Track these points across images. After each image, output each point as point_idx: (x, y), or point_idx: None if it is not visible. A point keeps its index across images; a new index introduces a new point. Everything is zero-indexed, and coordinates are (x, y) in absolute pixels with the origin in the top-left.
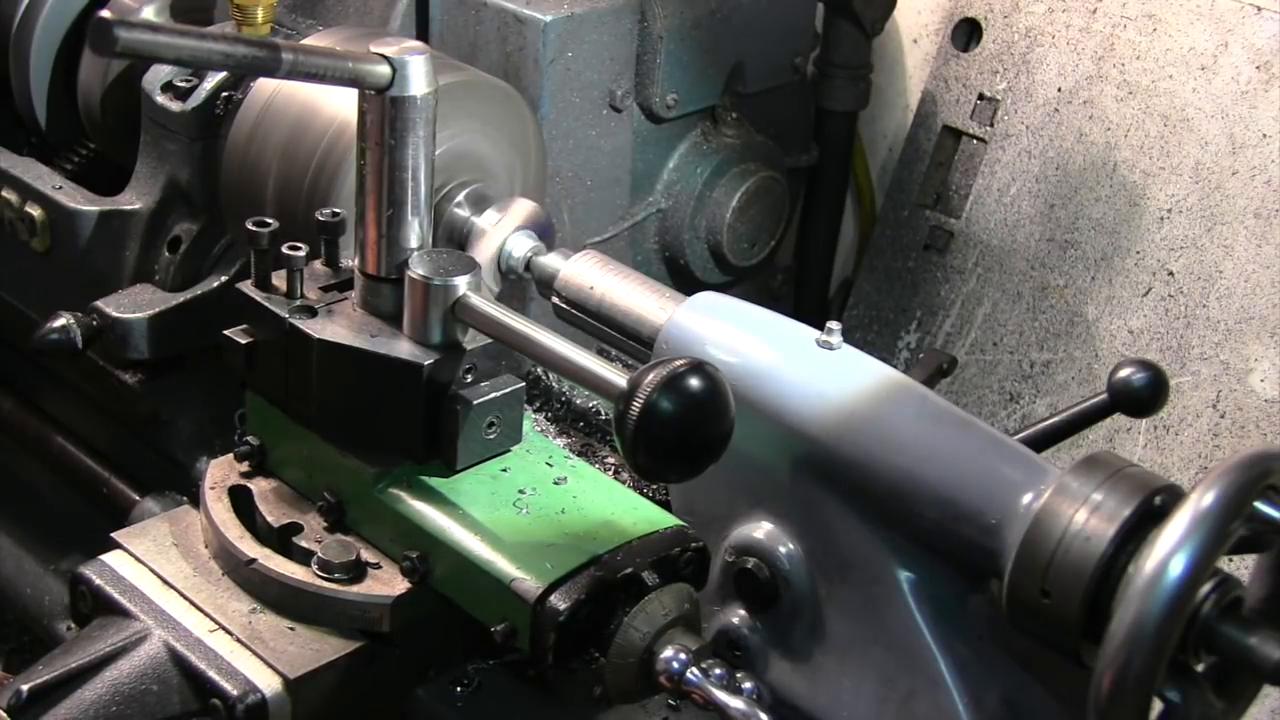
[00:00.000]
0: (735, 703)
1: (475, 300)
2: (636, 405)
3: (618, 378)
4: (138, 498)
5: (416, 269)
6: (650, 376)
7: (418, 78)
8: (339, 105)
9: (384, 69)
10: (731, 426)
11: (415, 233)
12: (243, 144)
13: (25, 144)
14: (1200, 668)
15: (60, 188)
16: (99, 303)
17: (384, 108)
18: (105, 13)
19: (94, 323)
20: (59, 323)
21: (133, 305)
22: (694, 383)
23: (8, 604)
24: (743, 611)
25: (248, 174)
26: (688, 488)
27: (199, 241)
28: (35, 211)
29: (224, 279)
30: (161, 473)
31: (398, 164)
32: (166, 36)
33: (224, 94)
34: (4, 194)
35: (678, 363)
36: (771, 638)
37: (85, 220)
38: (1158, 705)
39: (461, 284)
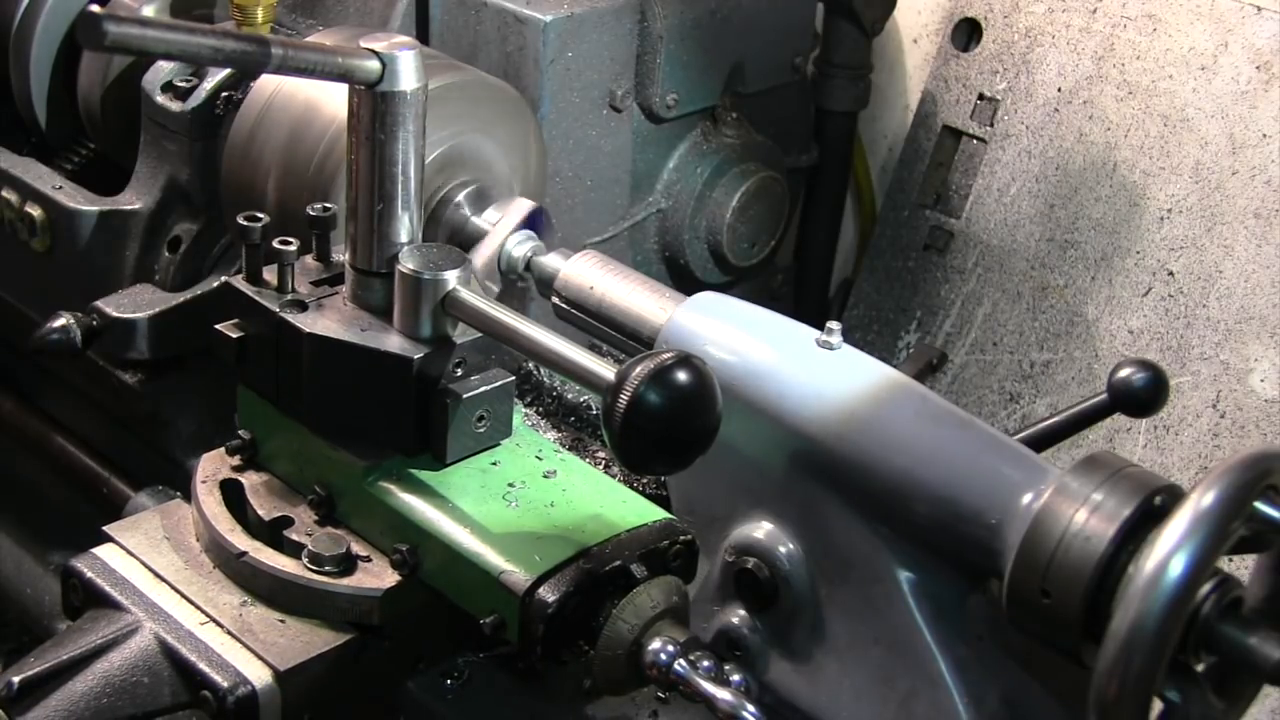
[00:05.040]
0: (723, 694)
1: (465, 294)
2: (624, 398)
3: (606, 371)
4: None
5: (406, 263)
6: (638, 370)
7: (407, 73)
8: (339, 105)
9: (373, 64)
10: (719, 420)
11: (405, 227)
12: (243, 144)
13: (25, 144)
14: (1200, 668)
15: (60, 188)
16: (99, 303)
17: (374, 103)
18: (95, 8)
19: (94, 323)
20: (59, 323)
21: (133, 305)
22: (681, 376)
23: (7, 604)
24: (743, 611)
25: (248, 174)
26: (687, 488)
27: (199, 241)
28: (35, 211)
29: (224, 279)
30: (161, 473)
31: (388, 159)
32: (156, 31)
33: (224, 94)
34: (4, 194)
35: (664, 356)
36: (771, 638)
37: (85, 220)
38: (1158, 705)
39: (451, 278)
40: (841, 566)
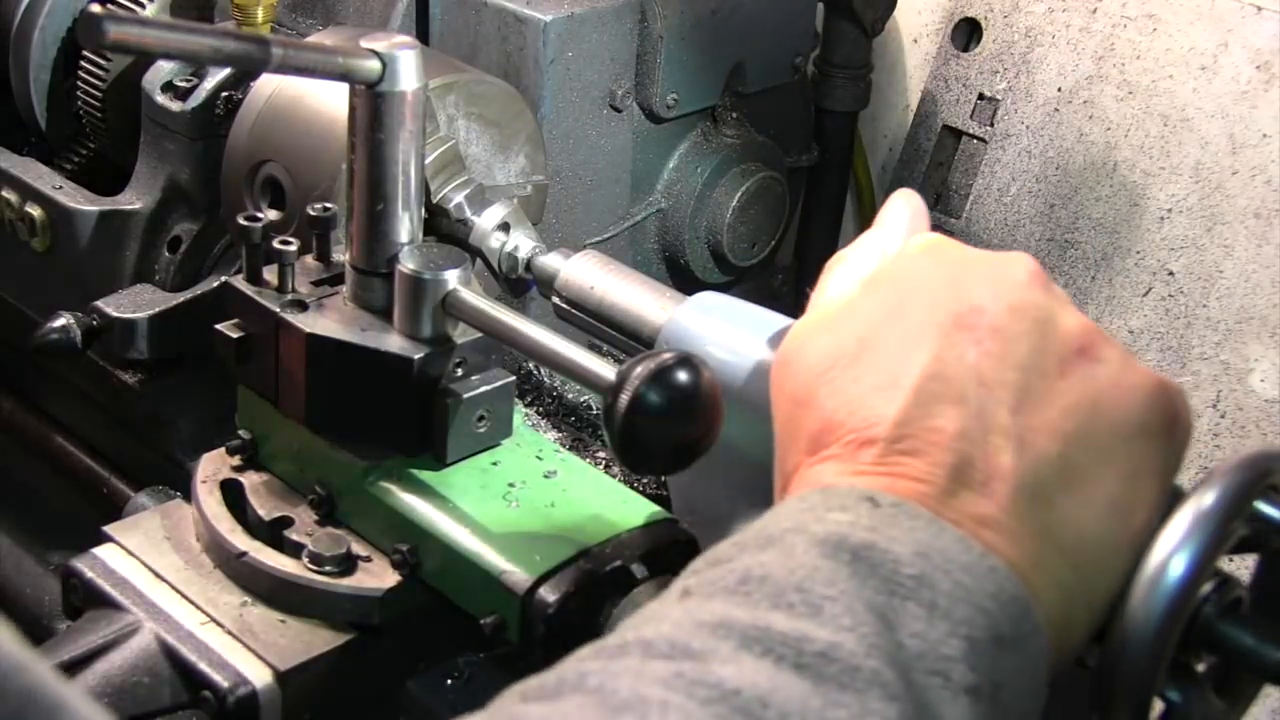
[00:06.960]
0: None
1: (465, 294)
2: (624, 398)
3: (606, 371)
4: None
5: (406, 263)
6: (638, 369)
7: (407, 73)
8: (341, 105)
9: (374, 64)
10: (720, 420)
11: (405, 227)
12: (243, 144)
13: (25, 144)
14: (1200, 668)
15: (60, 188)
16: (99, 303)
17: (374, 103)
18: (95, 7)
19: (94, 323)
20: (59, 323)
21: (133, 305)
22: (682, 376)
23: (7, 604)
24: None
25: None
26: (688, 488)
27: (199, 241)
28: (35, 211)
29: (224, 279)
30: (162, 473)
31: (388, 158)
32: (155, 30)
33: (224, 94)
34: (4, 194)
35: (665, 356)
36: None
37: (85, 220)
38: (1158, 705)
39: (451, 278)
40: None
